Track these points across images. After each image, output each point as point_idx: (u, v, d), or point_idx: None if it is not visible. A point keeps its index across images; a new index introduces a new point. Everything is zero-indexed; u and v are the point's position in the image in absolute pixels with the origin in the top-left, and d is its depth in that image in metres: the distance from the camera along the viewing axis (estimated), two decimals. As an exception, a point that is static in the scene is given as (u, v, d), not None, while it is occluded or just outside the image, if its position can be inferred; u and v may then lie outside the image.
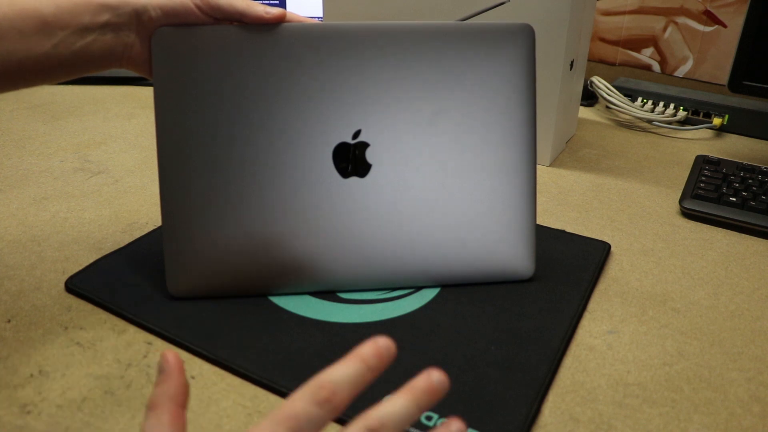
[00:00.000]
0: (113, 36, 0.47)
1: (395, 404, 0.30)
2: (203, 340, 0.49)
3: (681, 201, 0.70)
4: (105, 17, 0.46)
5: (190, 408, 0.44)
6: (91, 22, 0.46)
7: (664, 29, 1.04)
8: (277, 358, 0.47)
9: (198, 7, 0.47)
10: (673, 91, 0.98)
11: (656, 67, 1.08)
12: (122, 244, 0.61)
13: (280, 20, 0.48)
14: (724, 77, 1.00)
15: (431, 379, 0.30)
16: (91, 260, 0.58)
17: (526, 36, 0.51)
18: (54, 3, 0.45)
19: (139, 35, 0.48)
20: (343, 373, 0.30)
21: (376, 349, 0.30)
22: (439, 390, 0.30)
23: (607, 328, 0.52)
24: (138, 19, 0.47)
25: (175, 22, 0.48)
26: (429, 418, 0.42)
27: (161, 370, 0.33)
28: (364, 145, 0.51)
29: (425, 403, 0.30)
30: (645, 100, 0.98)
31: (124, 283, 0.55)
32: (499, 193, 0.53)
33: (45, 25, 0.45)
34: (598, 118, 0.98)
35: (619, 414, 0.44)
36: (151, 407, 0.31)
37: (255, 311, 0.52)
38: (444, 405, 0.43)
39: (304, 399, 0.29)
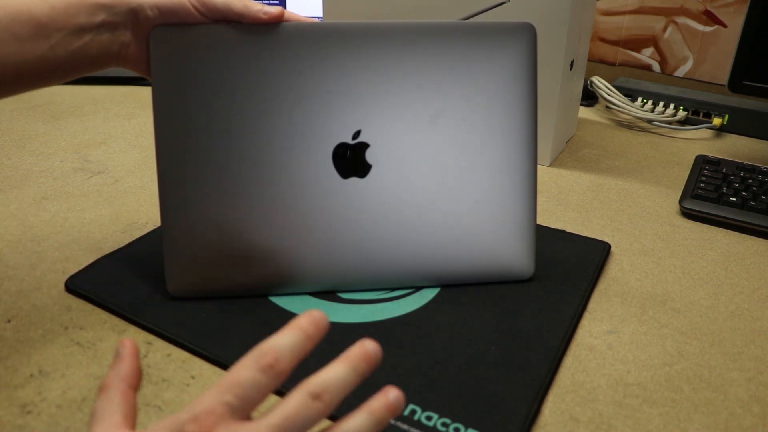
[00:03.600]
0: (110, 35, 0.47)
1: (334, 370, 0.31)
2: (203, 340, 0.49)
3: (681, 201, 0.70)
4: (101, 17, 0.46)
5: (190, 408, 0.44)
6: (86, 22, 0.46)
7: (664, 29, 1.04)
8: (277, 358, 0.47)
9: (195, 7, 0.47)
10: (673, 91, 0.98)
11: (656, 67, 1.08)
12: (122, 244, 0.61)
13: (278, 20, 0.48)
14: (724, 77, 1.00)
15: (365, 347, 0.32)
16: (91, 260, 0.58)
17: (528, 35, 0.51)
18: (48, 4, 0.45)
19: (136, 34, 0.48)
20: (285, 341, 0.31)
21: (311, 319, 0.32)
22: (374, 357, 0.32)
23: (607, 328, 0.52)
24: (134, 18, 0.47)
25: (172, 21, 0.48)
26: (429, 418, 0.42)
27: (116, 354, 0.33)
28: (364, 146, 0.51)
29: (362, 370, 0.31)
30: (645, 100, 0.98)
31: (124, 283, 0.55)
32: (499, 193, 0.53)
33: (40, 28, 0.44)
34: (598, 118, 0.98)
35: (619, 414, 0.44)
36: (102, 388, 0.32)
37: (255, 311, 0.52)
38: (444, 405, 0.43)
39: (248, 367, 0.30)
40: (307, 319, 0.32)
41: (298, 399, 0.30)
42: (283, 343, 0.31)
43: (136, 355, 0.34)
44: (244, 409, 0.30)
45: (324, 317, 0.32)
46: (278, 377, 0.30)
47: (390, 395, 0.31)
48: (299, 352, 0.31)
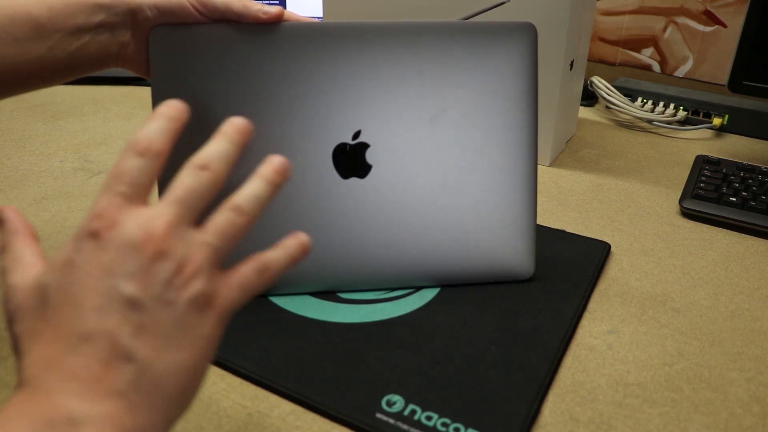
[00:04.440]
0: (109, 36, 0.47)
1: (213, 144, 0.33)
2: (203, 340, 0.49)
3: (681, 201, 0.70)
4: (100, 17, 0.46)
5: (191, 408, 0.44)
6: (85, 22, 0.46)
7: (664, 29, 1.04)
8: (277, 358, 0.47)
9: (194, 6, 0.47)
10: (673, 91, 0.98)
11: (656, 67, 1.08)
12: (122, 244, 0.60)
13: (278, 20, 0.48)
14: (724, 77, 1.00)
15: (234, 121, 0.34)
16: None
17: (528, 35, 0.51)
18: (46, 5, 0.45)
19: (135, 34, 0.48)
20: (152, 126, 0.32)
21: (171, 106, 0.33)
22: (244, 128, 0.34)
23: (607, 328, 0.52)
24: (133, 18, 0.47)
25: (171, 21, 0.47)
26: (429, 418, 0.42)
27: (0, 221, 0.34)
28: (364, 146, 0.51)
29: (239, 140, 0.34)
30: (645, 100, 0.98)
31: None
32: (499, 193, 0.53)
33: (39, 28, 0.44)
34: (598, 118, 0.98)
35: (619, 414, 0.44)
36: (1, 250, 0.33)
37: (255, 311, 0.52)
38: (444, 405, 0.43)
39: (126, 155, 0.31)
40: (165, 105, 0.33)
41: (187, 173, 0.32)
42: (151, 128, 0.32)
43: (20, 213, 0.34)
44: (138, 195, 0.31)
45: (180, 104, 0.34)
46: (157, 157, 0.31)
47: (275, 160, 0.34)
48: (168, 132, 0.32)
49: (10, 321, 0.30)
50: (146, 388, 0.28)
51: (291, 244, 0.35)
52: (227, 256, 0.32)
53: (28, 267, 0.31)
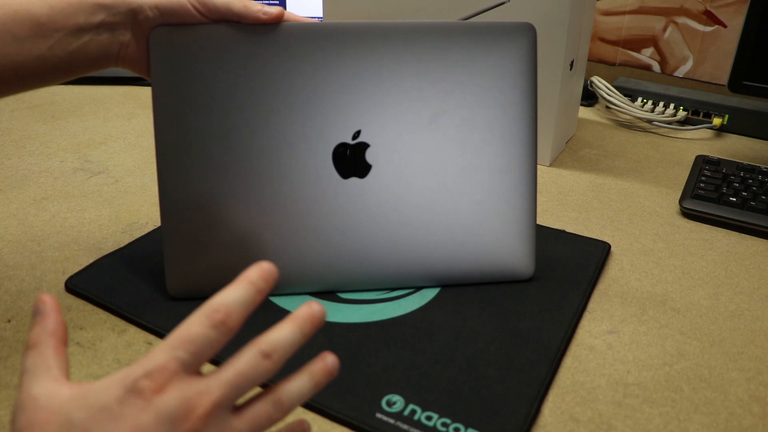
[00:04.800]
0: (109, 35, 0.47)
1: (283, 331, 0.32)
2: (203, 340, 0.49)
3: (681, 201, 0.70)
4: (100, 17, 0.46)
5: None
6: (86, 22, 0.46)
7: (664, 29, 1.04)
8: (277, 358, 0.47)
9: (194, 7, 0.47)
10: (673, 91, 0.98)
11: (656, 67, 1.08)
12: (122, 244, 0.61)
13: (278, 20, 0.48)
14: (724, 77, 1.00)
15: (311, 308, 0.33)
16: (91, 260, 0.58)
17: (528, 35, 0.51)
18: (47, 4, 0.45)
19: (135, 34, 0.48)
20: (235, 296, 0.31)
21: (261, 272, 0.32)
22: (319, 318, 0.33)
23: (607, 328, 0.52)
24: (134, 18, 0.47)
25: (172, 21, 0.47)
26: (429, 418, 0.42)
27: (37, 311, 0.33)
28: (364, 146, 0.51)
29: (308, 331, 0.33)
30: (645, 100, 0.98)
31: (124, 283, 0.55)
32: (499, 193, 0.53)
33: (39, 28, 0.44)
34: (598, 118, 0.98)
35: (619, 414, 0.44)
36: (31, 346, 0.32)
37: (255, 311, 0.52)
38: (444, 405, 0.43)
39: (200, 323, 0.30)
40: (257, 272, 0.32)
41: (249, 357, 0.31)
42: (233, 299, 0.31)
43: (59, 310, 0.34)
44: (195, 365, 0.30)
45: (273, 271, 0.32)
46: (229, 332, 0.31)
47: (327, 360, 0.34)
48: (249, 306, 0.32)
49: (18, 429, 0.30)
50: None
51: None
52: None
53: (54, 382, 0.31)
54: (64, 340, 0.33)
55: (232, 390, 0.31)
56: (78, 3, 0.45)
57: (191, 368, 0.30)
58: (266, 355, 0.31)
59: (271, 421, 0.32)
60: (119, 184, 0.73)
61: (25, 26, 0.44)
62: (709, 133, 0.94)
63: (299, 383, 0.33)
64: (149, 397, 0.29)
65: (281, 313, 0.52)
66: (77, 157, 0.80)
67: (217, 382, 0.30)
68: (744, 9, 0.78)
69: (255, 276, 0.32)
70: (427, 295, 0.54)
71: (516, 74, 0.52)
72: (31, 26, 0.44)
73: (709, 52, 1.02)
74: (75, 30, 0.46)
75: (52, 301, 0.34)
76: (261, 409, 0.32)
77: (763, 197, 0.68)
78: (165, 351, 0.30)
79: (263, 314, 0.52)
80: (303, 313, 0.33)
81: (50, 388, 0.30)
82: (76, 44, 0.46)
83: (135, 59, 0.49)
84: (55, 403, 0.30)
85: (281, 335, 0.32)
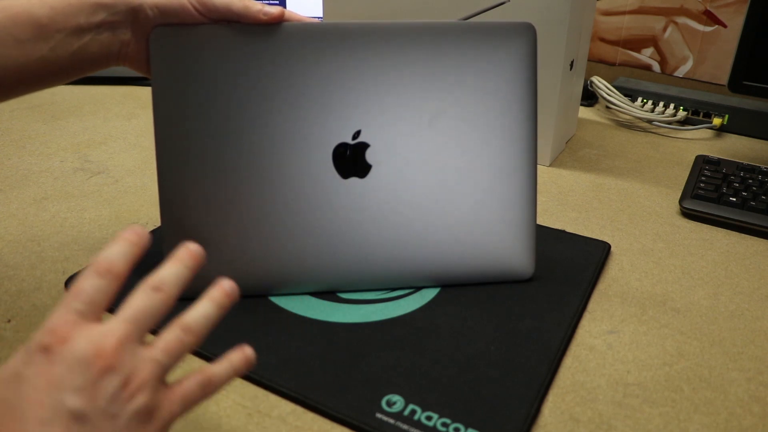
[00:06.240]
0: (110, 35, 0.47)
1: (167, 267, 0.34)
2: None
3: (681, 201, 0.70)
4: (100, 16, 0.46)
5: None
6: (86, 22, 0.46)
7: (664, 29, 1.04)
8: (277, 358, 0.47)
9: (194, 7, 0.47)
10: (673, 91, 0.98)
11: (656, 67, 1.08)
12: (122, 244, 0.60)
13: (278, 20, 0.48)
14: (724, 77, 1.00)
15: (187, 246, 0.35)
16: (91, 260, 0.58)
17: (528, 35, 0.51)
18: (47, 5, 0.45)
19: (135, 33, 0.48)
20: (115, 249, 0.33)
21: (133, 231, 0.34)
22: (196, 252, 0.35)
23: (607, 328, 0.52)
24: (134, 17, 0.47)
25: (172, 21, 0.48)
26: (429, 418, 0.42)
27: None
28: (364, 146, 0.51)
29: (191, 264, 0.35)
30: (645, 100, 0.98)
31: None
32: (499, 193, 0.53)
33: (40, 29, 0.44)
34: (598, 118, 0.98)
35: (619, 414, 0.44)
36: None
37: (255, 311, 0.52)
38: (444, 405, 0.43)
39: (87, 275, 0.32)
40: (129, 231, 0.34)
41: (141, 294, 0.33)
42: (114, 251, 0.33)
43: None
44: (93, 313, 0.32)
45: (143, 231, 0.35)
46: (116, 279, 0.33)
47: (224, 284, 0.36)
48: (129, 257, 0.34)
49: None
50: None
51: (236, 357, 0.36)
52: (173, 370, 0.33)
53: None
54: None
55: (134, 324, 0.32)
56: (78, 3, 0.46)
57: (90, 317, 0.32)
58: (156, 288, 0.33)
59: (184, 344, 0.33)
60: (119, 184, 0.73)
61: (26, 28, 0.44)
62: (709, 133, 0.94)
63: (202, 306, 0.35)
64: (56, 349, 0.30)
65: (281, 313, 0.52)
66: (77, 157, 0.80)
67: (117, 321, 0.32)
68: (744, 9, 0.78)
69: (128, 234, 0.34)
70: (427, 295, 0.54)
71: (516, 74, 0.52)
72: (32, 28, 0.44)
73: (709, 52, 1.02)
74: (76, 30, 0.46)
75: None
76: (170, 335, 0.33)
77: (763, 197, 0.68)
78: (61, 308, 0.31)
79: (263, 314, 0.52)
80: (182, 252, 0.35)
81: None
82: (78, 44, 0.46)
83: (136, 58, 0.49)
84: None
85: (166, 270, 0.34)
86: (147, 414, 0.31)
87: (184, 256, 0.35)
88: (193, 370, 0.34)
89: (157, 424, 0.31)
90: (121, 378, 0.30)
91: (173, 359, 0.33)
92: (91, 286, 0.32)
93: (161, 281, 0.34)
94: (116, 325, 0.31)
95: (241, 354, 0.36)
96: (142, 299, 0.33)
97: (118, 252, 0.33)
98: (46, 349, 0.30)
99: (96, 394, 0.29)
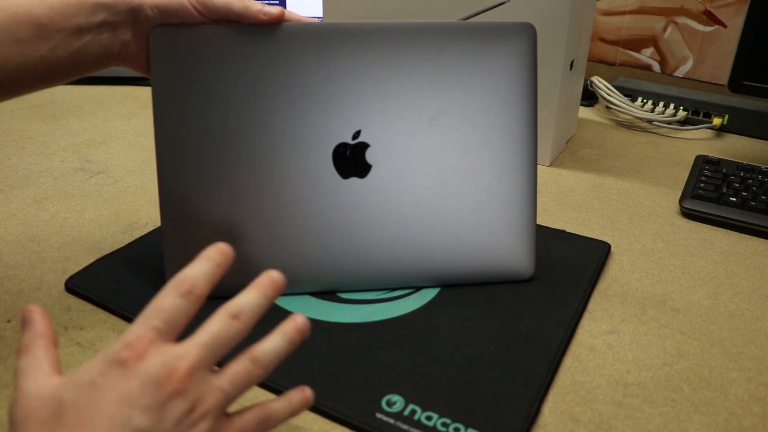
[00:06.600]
0: (110, 35, 0.47)
1: (247, 295, 0.35)
2: (203, 340, 0.49)
3: (681, 201, 0.70)
4: (101, 16, 0.46)
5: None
6: (86, 22, 0.46)
7: (664, 29, 1.04)
8: (277, 358, 0.47)
9: (194, 7, 0.47)
10: (673, 91, 0.98)
11: (656, 67, 1.08)
12: (122, 244, 0.61)
13: (278, 20, 0.48)
14: (724, 77, 1.00)
15: (271, 276, 0.36)
16: (91, 260, 0.58)
17: (528, 35, 0.51)
18: (47, 5, 0.45)
19: (135, 33, 0.48)
20: (198, 269, 0.34)
21: (218, 249, 0.35)
22: (280, 284, 0.36)
23: (607, 328, 0.52)
24: (134, 17, 0.47)
25: (172, 21, 0.48)
26: (429, 418, 0.42)
27: (25, 320, 0.35)
28: (364, 146, 0.51)
29: (271, 294, 0.36)
30: (645, 100, 0.98)
31: (124, 283, 0.55)
32: (499, 193, 0.53)
33: (40, 29, 0.44)
34: (598, 118, 0.98)
35: (619, 414, 0.44)
36: (22, 350, 0.34)
37: (255, 311, 0.52)
38: (444, 405, 0.43)
39: (169, 294, 0.33)
40: (214, 250, 0.35)
41: (219, 320, 0.34)
42: (196, 271, 0.34)
43: (46, 315, 0.36)
44: (170, 332, 0.33)
45: (228, 249, 0.36)
46: (197, 301, 0.34)
47: (298, 320, 0.37)
48: (211, 278, 0.35)
49: (15, 427, 0.31)
50: None
51: (295, 397, 0.37)
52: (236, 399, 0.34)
53: (45, 376, 0.32)
54: (54, 341, 0.35)
55: (208, 350, 0.33)
56: (78, 3, 0.46)
57: (167, 336, 0.32)
58: (234, 317, 0.34)
59: (252, 377, 0.34)
60: (119, 184, 0.73)
61: (26, 28, 0.44)
62: (709, 133, 0.94)
63: (273, 341, 0.35)
64: (131, 365, 0.31)
65: (281, 313, 0.52)
66: (77, 157, 0.80)
67: (193, 344, 0.32)
68: (744, 9, 0.78)
69: (212, 253, 0.35)
70: (427, 295, 0.54)
71: (516, 74, 0.52)
72: (33, 28, 0.44)
73: (709, 52, 1.02)
74: (76, 30, 0.46)
75: (39, 309, 0.35)
76: (240, 366, 0.34)
77: (763, 197, 0.68)
78: (140, 323, 0.32)
79: (265, 314, 0.52)
80: (264, 279, 0.36)
81: (41, 381, 0.32)
82: (78, 44, 0.46)
83: (136, 58, 0.49)
84: (46, 392, 0.31)
85: (246, 299, 0.35)
86: None
87: (265, 285, 0.36)
88: (254, 405, 0.35)
89: None
90: (188, 403, 0.31)
91: (239, 391, 0.34)
92: (172, 305, 0.33)
93: (240, 309, 0.34)
94: (191, 349, 0.32)
95: (301, 394, 0.37)
96: (219, 326, 0.33)
97: (202, 272, 0.34)
98: (122, 364, 0.31)
99: (163, 416, 0.31)
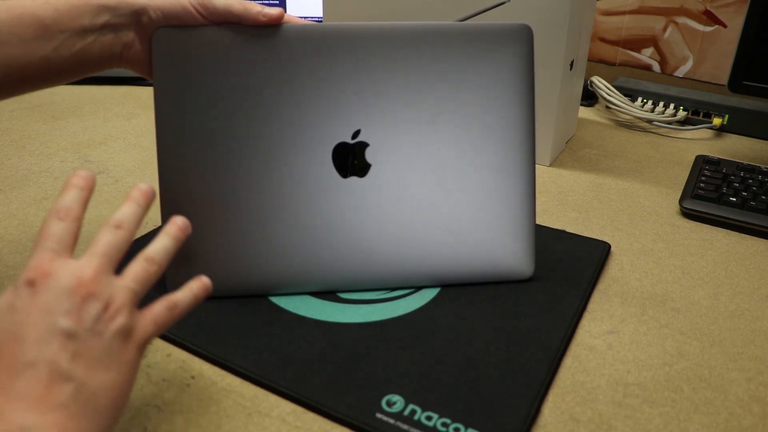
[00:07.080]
0: (113, 36, 0.47)
1: (124, 208, 0.39)
2: (203, 340, 0.49)
3: (681, 201, 0.70)
4: (104, 18, 0.47)
5: (190, 408, 0.44)
6: (90, 23, 0.46)
7: (664, 29, 1.04)
8: (277, 358, 0.47)
9: (196, 9, 0.48)
10: (673, 91, 0.98)
11: (656, 67, 1.08)
12: (122, 244, 0.60)
13: (277, 22, 0.48)
14: (724, 77, 1.00)
15: (139, 187, 0.40)
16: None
17: (524, 36, 0.51)
18: (52, 6, 0.45)
19: (138, 35, 0.48)
20: (67, 197, 0.38)
21: (79, 177, 0.39)
22: (148, 191, 0.41)
23: (607, 328, 0.52)
24: (137, 19, 0.48)
25: (174, 23, 0.48)
26: (429, 418, 0.42)
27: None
28: (364, 145, 0.51)
29: (144, 202, 0.40)
30: (645, 100, 0.98)
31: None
32: (499, 193, 0.53)
33: (44, 29, 0.45)
34: (598, 118, 0.98)
35: (619, 414, 0.44)
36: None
37: (255, 311, 0.52)
38: (444, 405, 0.43)
39: (49, 220, 0.37)
40: (76, 178, 0.39)
41: (105, 232, 0.38)
42: (68, 197, 0.38)
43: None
44: (65, 250, 0.36)
45: (87, 174, 0.40)
46: (76, 220, 0.37)
47: (178, 220, 0.41)
48: (81, 200, 0.38)
49: None
50: (84, 402, 0.33)
51: (195, 285, 0.40)
52: (143, 297, 0.38)
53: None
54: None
55: (106, 257, 0.37)
56: (82, 5, 0.46)
57: (63, 254, 0.36)
58: (117, 226, 0.38)
59: (149, 273, 0.38)
60: (119, 184, 0.73)
61: (30, 28, 0.45)
62: (709, 133, 0.94)
63: (161, 240, 0.40)
64: (41, 282, 0.34)
65: (281, 313, 0.52)
66: (77, 157, 0.80)
67: (90, 255, 0.36)
68: (744, 9, 0.78)
69: (75, 180, 0.39)
70: (427, 295, 0.54)
71: (513, 75, 0.52)
72: (36, 28, 0.45)
73: (709, 52, 1.02)
74: (79, 31, 0.46)
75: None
76: (138, 267, 0.38)
77: (763, 197, 0.68)
78: (37, 250, 0.36)
79: (263, 314, 0.52)
80: (135, 193, 0.40)
81: None
82: (81, 45, 0.46)
83: (138, 60, 0.49)
84: None
85: (123, 210, 0.39)
86: (126, 333, 0.35)
87: (137, 196, 0.40)
88: (160, 297, 0.38)
89: (135, 342, 0.36)
90: (101, 302, 0.35)
91: (143, 286, 0.38)
92: (57, 228, 0.36)
93: (120, 220, 0.38)
94: (90, 259, 0.36)
95: (200, 283, 0.40)
96: (107, 237, 0.37)
97: (72, 197, 0.38)
98: (32, 283, 0.34)
99: (82, 316, 0.34)
